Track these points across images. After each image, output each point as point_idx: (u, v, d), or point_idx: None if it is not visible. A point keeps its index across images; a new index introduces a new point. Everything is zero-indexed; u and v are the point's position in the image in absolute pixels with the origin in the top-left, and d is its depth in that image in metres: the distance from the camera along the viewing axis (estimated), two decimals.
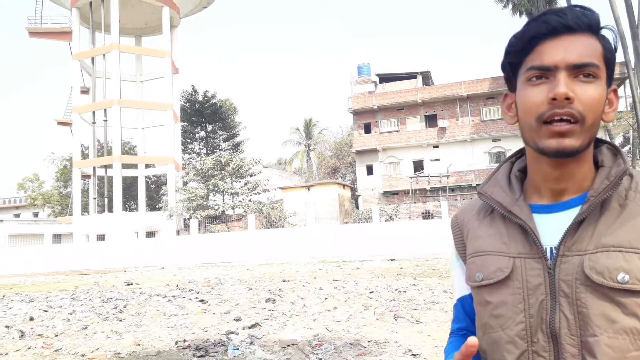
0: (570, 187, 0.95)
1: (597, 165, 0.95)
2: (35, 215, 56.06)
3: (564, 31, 0.89)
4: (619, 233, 0.87)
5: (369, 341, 6.38)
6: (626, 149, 34.68)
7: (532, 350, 0.91)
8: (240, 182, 33.11)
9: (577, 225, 0.90)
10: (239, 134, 51.86)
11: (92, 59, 38.23)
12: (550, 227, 0.93)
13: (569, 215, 0.92)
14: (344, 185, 37.63)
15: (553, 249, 0.91)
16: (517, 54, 0.94)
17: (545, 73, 0.89)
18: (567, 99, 0.86)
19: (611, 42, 0.93)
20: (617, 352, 0.83)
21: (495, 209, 1.01)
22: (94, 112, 37.90)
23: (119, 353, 6.33)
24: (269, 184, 33.48)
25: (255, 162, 33.61)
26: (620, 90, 35.91)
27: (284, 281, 13.16)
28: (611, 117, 0.94)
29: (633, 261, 0.84)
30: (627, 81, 26.64)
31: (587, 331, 0.85)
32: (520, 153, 1.06)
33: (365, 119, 41.16)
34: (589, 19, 0.91)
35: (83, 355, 6.29)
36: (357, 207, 38.94)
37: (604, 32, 0.93)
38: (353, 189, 41.04)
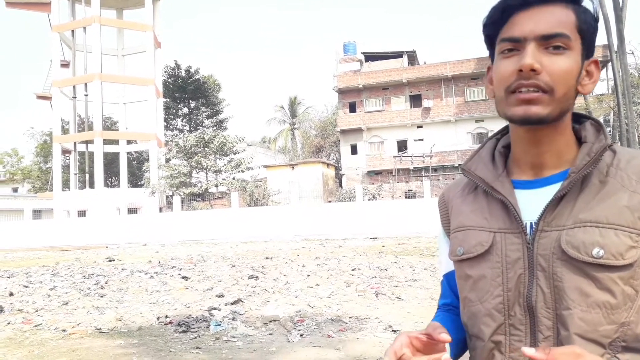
0: (549, 160, 0.95)
1: (581, 141, 0.95)
2: (15, 190, 55.19)
3: (536, 3, 0.89)
4: (597, 209, 0.87)
5: (350, 317, 6.46)
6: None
7: (509, 323, 0.92)
8: (223, 159, 32.88)
9: (558, 201, 0.90)
10: (222, 111, 51.37)
11: (72, 31, 37.31)
12: (531, 203, 0.94)
13: (550, 191, 0.92)
14: (328, 164, 37.64)
15: (533, 224, 0.92)
16: (492, 26, 0.95)
17: (516, 45, 0.89)
18: (533, 70, 0.86)
19: (591, 12, 0.91)
20: (589, 325, 0.85)
21: (478, 185, 1.01)
22: (74, 87, 37.16)
23: (100, 328, 6.33)
24: (253, 162, 33.31)
25: (239, 140, 33.36)
26: (603, 73, 36.22)
27: (267, 258, 13.21)
28: (589, 89, 0.93)
29: (609, 237, 0.85)
30: (610, 64, 26.89)
31: (561, 304, 0.87)
32: (505, 130, 1.06)
33: (351, 98, 41.03)
34: None
35: (64, 330, 6.27)
36: (340, 186, 39.05)
37: (584, 3, 0.91)
38: (337, 168, 41.10)
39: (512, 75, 0.89)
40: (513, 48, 0.90)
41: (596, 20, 0.91)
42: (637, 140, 25.19)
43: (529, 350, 0.79)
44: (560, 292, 0.87)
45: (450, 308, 1.12)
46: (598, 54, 32.92)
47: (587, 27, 0.90)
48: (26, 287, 9.72)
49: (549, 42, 0.88)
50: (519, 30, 0.89)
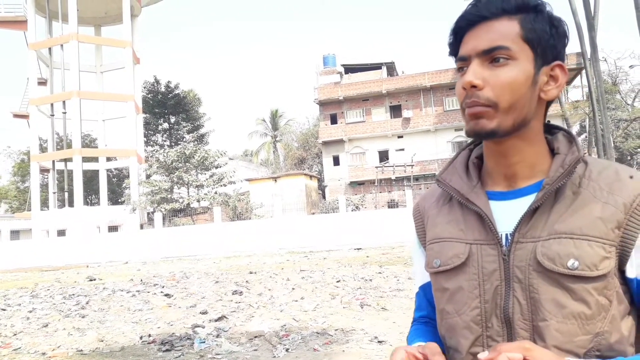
0: (521, 171, 0.95)
1: (554, 152, 0.96)
2: None
3: (479, 20, 0.92)
4: (570, 220, 0.88)
5: (336, 330, 6.42)
6: (582, 137, 35.82)
7: (487, 335, 0.92)
8: (205, 174, 32.66)
9: (532, 212, 0.91)
10: (203, 126, 51.10)
11: (50, 49, 36.95)
12: (506, 214, 0.94)
13: (524, 202, 0.93)
14: (310, 176, 37.65)
15: (508, 235, 0.92)
16: (452, 47, 0.98)
17: (464, 63, 0.93)
18: (474, 87, 0.89)
19: (545, 17, 0.91)
20: (565, 337, 0.85)
21: (453, 196, 1.02)
22: (52, 104, 36.68)
23: (82, 350, 6.20)
24: (235, 175, 33.15)
25: (221, 154, 33.20)
26: (577, 81, 36.93)
27: (251, 273, 13.11)
28: (553, 94, 0.93)
29: (583, 248, 0.86)
30: (584, 71, 27.44)
31: (538, 316, 0.87)
32: (478, 141, 1.06)
33: (331, 109, 41.23)
34: (504, 1, 0.91)
35: (44, 353, 6.13)
36: (324, 197, 39.05)
37: (540, 8, 0.92)
38: (320, 180, 41.13)
39: (462, 92, 0.92)
40: (463, 66, 0.93)
41: (553, 25, 0.92)
42: (612, 145, 25.68)
43: (482, 355, 0.81)
44: (537, 303, 0.87)
45: (427, 320, 1.12)
46: (572, 61, 33.60)
47: (537, 34, 0.90)
48: (4, 310, 9.49)
49: (489, 55, 0.89)
50: (464, 49, 0.93)
